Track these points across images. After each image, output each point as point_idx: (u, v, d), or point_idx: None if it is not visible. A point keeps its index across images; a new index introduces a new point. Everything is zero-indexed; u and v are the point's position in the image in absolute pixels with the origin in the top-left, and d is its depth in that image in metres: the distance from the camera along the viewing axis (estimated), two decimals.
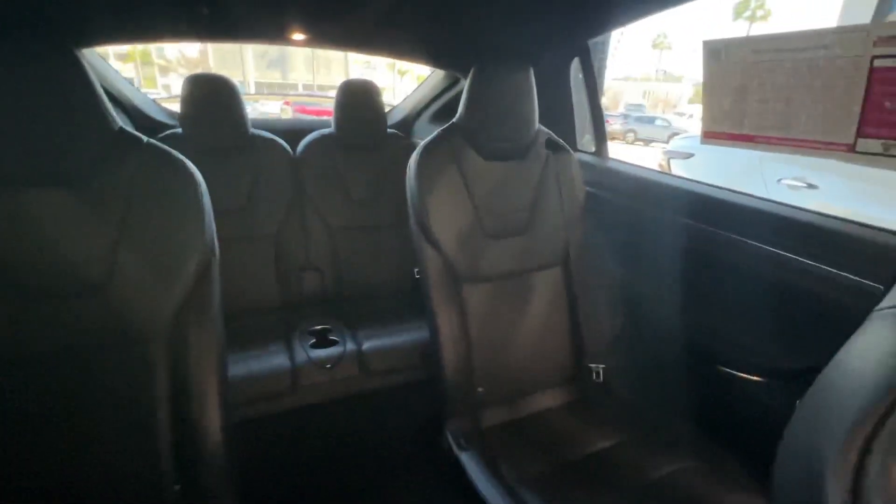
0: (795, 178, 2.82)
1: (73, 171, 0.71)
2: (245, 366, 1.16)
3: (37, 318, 0.70)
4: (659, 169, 3.95)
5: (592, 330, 1.15)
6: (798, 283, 0.82)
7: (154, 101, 1.75)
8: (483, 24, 1.20)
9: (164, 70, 19.15)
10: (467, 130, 1.06)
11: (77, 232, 0.72)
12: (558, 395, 1.13)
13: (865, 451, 0.28)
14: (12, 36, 0.67)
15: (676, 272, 1.04)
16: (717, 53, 0.89)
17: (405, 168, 1.06)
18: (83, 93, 0.71)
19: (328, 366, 1.23)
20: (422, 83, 1.89)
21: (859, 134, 0.75)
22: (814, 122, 0.80)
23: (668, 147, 4.21)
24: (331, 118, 1.61)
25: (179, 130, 1.41)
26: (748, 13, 21.13)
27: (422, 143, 1.05)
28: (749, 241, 0.89)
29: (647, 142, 13.76)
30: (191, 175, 0.79)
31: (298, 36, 1.27)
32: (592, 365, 1.12)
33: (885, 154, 0.71)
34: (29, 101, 0.67)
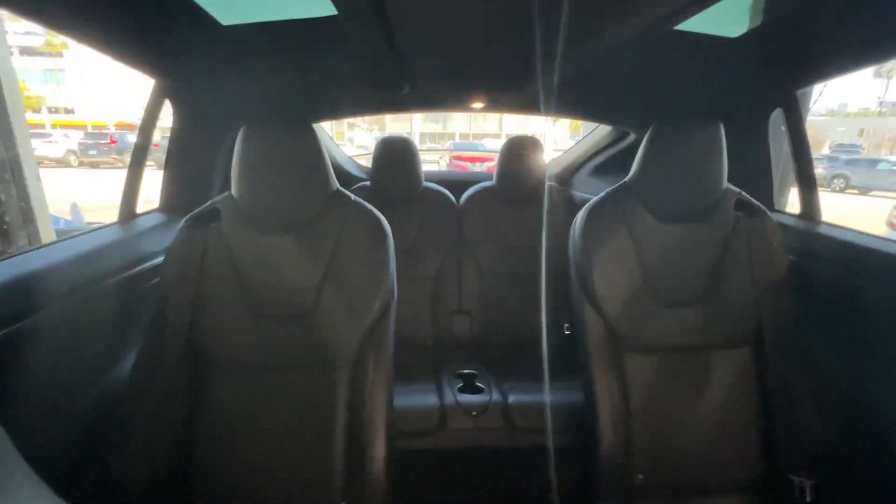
0: None
1: (300, 221, 0.90)
2: (398, 399, 1.26)
3: (264, 334, 0.88)
4: (889, 227, 3.08)
5: (791, 430, 0.93)
6: None
7: (351, 158, 2.12)
8: (667, 81, 1.15)
9: (351, 125, 23.12)
10: (641, 190, 1.01)
11: (296, 270, 0.90)
12: (741, 502, 0.93)
13: None
14: (271, 117, 0.89)
15: None
16: None
17: (562, 219, 1.06)
18: (315, 160, 0.91)
19: (474, 413, 1.25)
20: (584, 137, 1.89)
21: None
22: None
23: None
24: (491, 172, 1.71)
25: (368, 183, 1.66)
26: None
27: (591, 202, 1.04)
28: None
29: (864, 190, 11.00)
30: (383, 230, 0.93)
31: (478, 104, 1.41)
32: (795, 478, 0.90)
33: None
34: (278, 167, 0.88)
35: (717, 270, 0.98)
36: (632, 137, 1.59)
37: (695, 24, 0.95)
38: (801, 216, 1.14)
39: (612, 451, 0.92)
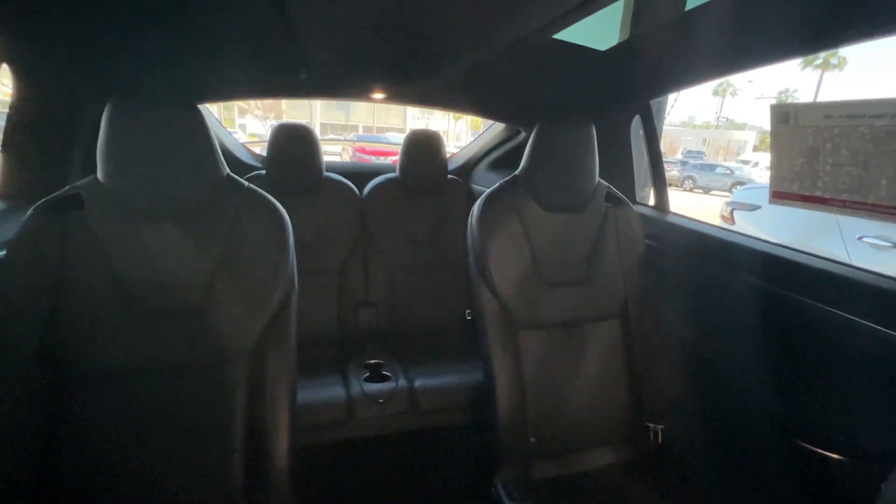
0: (878, 237, 2.61)
1: (186, 209, 0.83)
2: (302, 394, 1.23)
3: (143, 335, 0.80)
4: (721, 220, 3.79)
5: (651, 387, 1.12)
6: (888, 358, 0.76)
7: (242, 145, 1.98)
8: (549, 84, 1.28)
9: (242, 111, 21.21)
10: (529, 182, 1.12)
11: (183, 261, 0.83)
12: (614, 455, 1.09)
13: None
14: (146, 93, 0.80)
15: (748, 335, 1.00)
16: (785, 117, 0.90)
17: (463, 211, 1.12)
18: (203, 143, 0.84)
19: (380, 401, 1.26)
20: (481, 133, 2.00)
21: None
22: (894, 189, 0.78)
23: (732, 198, 4.05)
24: (394, 164, 1.73)
25: (263, 172, 1.57)
26: (819, 61, 20.31)
27: (485, 193, 1.11)
28: (829, 309, 0.85)
29: (707, 190, 13.26)
30: (281, 218, 0.89)
31: (379, 95, 1.41)
32: (651, 424, 1.08)
33: None
34: (157, 149, 0.80)
35: (592, 254, 1.13)
36: (522, 135, 1.73)
37: (572, 35, 1.08)
38: (655, 207, 1.36)
39: (509, 418, 1.01)
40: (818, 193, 0.91)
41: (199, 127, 0.83)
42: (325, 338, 1.56)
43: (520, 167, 1.15)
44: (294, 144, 1.54)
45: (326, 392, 1.27)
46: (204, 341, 0.82)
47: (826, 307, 0.84)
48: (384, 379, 1.35)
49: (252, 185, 0.91)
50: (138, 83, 1.08)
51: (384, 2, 0.73)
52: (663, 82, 1.19)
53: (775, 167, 0.95)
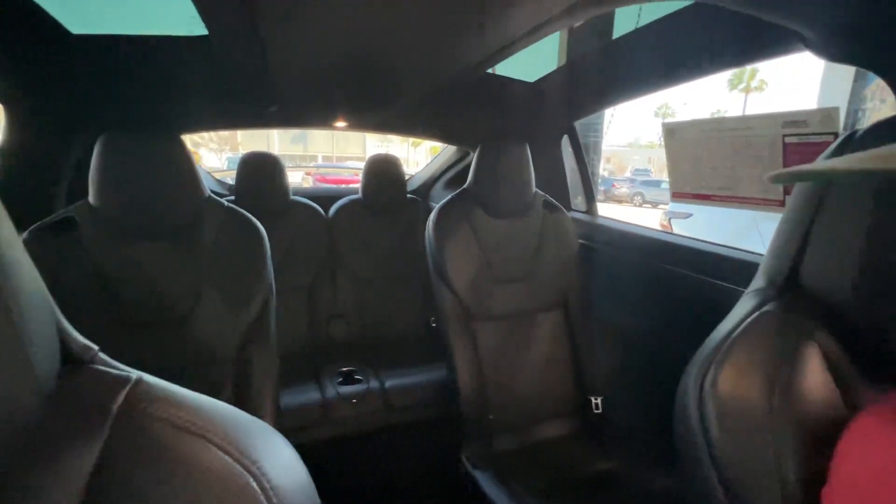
0: None
1: (173, 227, 0.94)
2: (280, 400, 1.31)
3: (136, 344, 0.89)
4: (661, 228, 4.17)
5: (591, 365, 1.29)
6: None
7: (208, 173, 2.06)
8: (487, 111, 1.48)
9: (197, 144, 20.78)
10: (476, 194, 1.29)
11: (172, 274, 0.93)
12: (563, 425, 1.24)
13: (704, 374, 0.44)
14: (133, 127, 0.92)
15: (663, 311, 1.20)
16: (672, 132, 1.13)
17: (423, 227, 1.28)
18: (186, 167, 0.95)
19: (354, 401, 1.37)
20: (436, 156, 2.19)
21: (786, 192, 0.95)
22: (753, 184, 1.01)
23: (669, 208, 4.45)
24: (357, 186, 1.88)
25: (232, 198, 1.67)
26: (742, 85, 22.43)
27: (439, 205, 1.28)
28: (724, 283, 1.05)
29: (655, 204, 14.14)
30: (259, 232, 1.01)
31: (341, 123, 1.57)
32: (592, 397, 1.24)
33: None
34: (147, 175, 0.90)
35: (535, 254, 1.31)
36: (472, 155, 1.93)
37: (506, 69, 1.29)
38: (586, 212, 1.57)
39: (471, 399, 1.15)
40: (704, 191, 1.13)
41: (181, 153, 0.94)
42: (299, 351, 1.65)
43: (467, 182, 1.32)
44: (262, 172, 1.65)
45: (303, 397, 1.36)
46: (194, 345, 0.91)
47: (721, 282, 1.05)
48: (357, 382, 1.45)
49: (233, 205, 1.03)
50: (125, 116, 1.18)
51: (346, 43, 0.88)
52: (585, 105, 1.41)
53: (671, 173, 1.18)
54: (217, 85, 1.10)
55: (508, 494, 0.95)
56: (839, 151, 0.47)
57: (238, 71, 0.98)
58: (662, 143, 1.16)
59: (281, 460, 0.31)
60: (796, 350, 0.43)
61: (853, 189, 0.44)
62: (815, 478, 0.39)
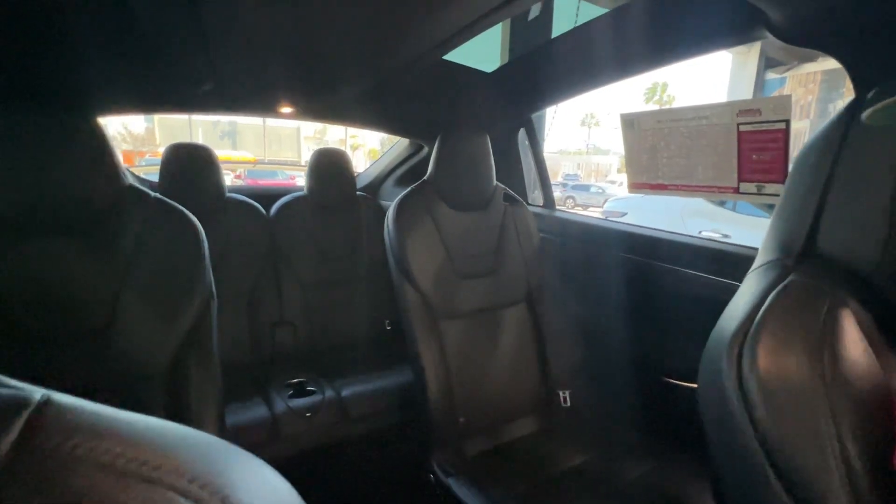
0: (713, 230, 3.34)
1: (78, 222, 0.77)
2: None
3: (36, 363, 0.72)
4: None
5: (557, 360, 1.27)
6: (710, 296, 1.00)
7: (128, 169, 1.81)
8: (447, 100, 1.43)
9: None
10: (437, 186, 1.23)
11: (79, 279, 0.76)
12: (533, 422, 1.21)
13: (739, 353, 0.42)
14: (39, 104, 0.75)
15: (622, 300, 1.21)
16: (631, 123, 1.14)
17: (374, 226, 1.19)
18: (98, 152, 0.79)
19: (308, 414, 1.24)
20: (386, 151, 2.10)
21: (740, 179, 0.99)
22: (707, 172, 1.05)
23: (604, 209, 4.72)
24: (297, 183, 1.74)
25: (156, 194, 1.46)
26: (656, 97, 24.69)
27: (398, 197, 1.20)
28: (677, 268, 1.08)
29: (585, 207, 15.04)
30: (193, 225, 0.87)
31: (286, 109, 1.43)
32: (560, 392, 1.23)
33: (759, 193, 0.95)
34: (43, 160, 0.74)
35: (498, 248, 1.27)
36: (425, 150, 1.86)
37: (461, 57, 1.24)
38: (544, 206, 1.57)
39: (439, 402, 1.07)
40: (661, 181, 1.16)
41: (92, 133, 0.79)
42: (240, 363, 1.48)
43: (427, 173, 1.26)
44: (191, 165, 1.47)
45: (248, 413, 1.20)
46: (110, 361, 0.76)
47: (676, 267, 1.08)
48: (310, 393, 1.32)
49: (160, 196, 0.88)
50: (22, 87, 0.97)
51: (289, 20, 0.78)
52: (542, 97, 1.41)
53: (628, 164, 1.20)
54: (139, 56, 0.94)
55: (485, 501, 0.89)
56: (849, 113, 0.47)
57: (165, 36, 0.84)
58: (621, 136, 1.18)
59: (255, 486, 0.22)
60: (835, 318, 0.41)
61: (868, 160, 0.44)
62: (876, 446, 0.37)
